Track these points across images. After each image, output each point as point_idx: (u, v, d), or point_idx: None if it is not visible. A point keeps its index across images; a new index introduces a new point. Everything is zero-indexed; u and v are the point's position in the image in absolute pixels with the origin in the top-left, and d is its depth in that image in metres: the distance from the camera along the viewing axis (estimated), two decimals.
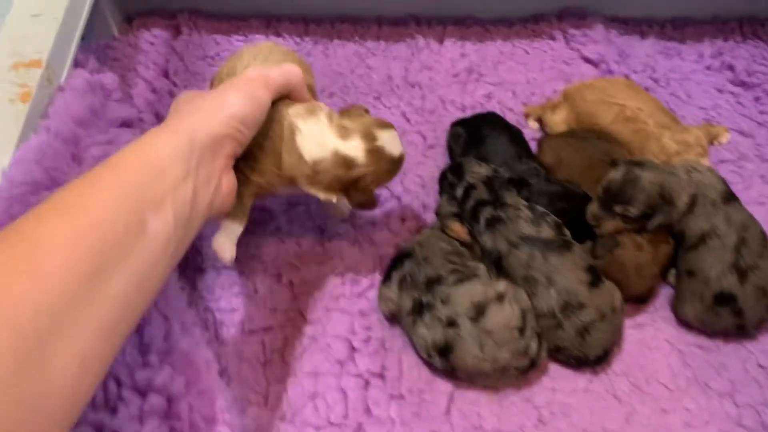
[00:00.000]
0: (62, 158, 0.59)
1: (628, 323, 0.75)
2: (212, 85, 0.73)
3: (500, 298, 0.66)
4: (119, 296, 0.38)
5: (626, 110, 0.83)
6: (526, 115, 0.93)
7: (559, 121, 0.88)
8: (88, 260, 0.36)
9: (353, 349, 0.72)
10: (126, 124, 0.74)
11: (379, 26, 1.03)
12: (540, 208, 0.73)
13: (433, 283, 0.67)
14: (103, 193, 0.40)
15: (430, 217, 0.83)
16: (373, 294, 0.76)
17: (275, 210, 0.83)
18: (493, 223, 0.72)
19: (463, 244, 0.74)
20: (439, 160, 0.89)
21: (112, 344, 0.38)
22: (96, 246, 0.37)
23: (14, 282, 0.32)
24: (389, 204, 0.84)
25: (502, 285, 0.67)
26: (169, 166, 0.44)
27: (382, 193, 0.85)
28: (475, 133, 0.84)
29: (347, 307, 0.75)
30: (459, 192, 0.75)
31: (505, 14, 1.05)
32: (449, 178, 0.77)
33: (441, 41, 1.02)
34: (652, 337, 0.75)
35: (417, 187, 0.86)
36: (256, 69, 0.59)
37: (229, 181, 0.53)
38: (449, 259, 0.70)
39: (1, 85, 0.68)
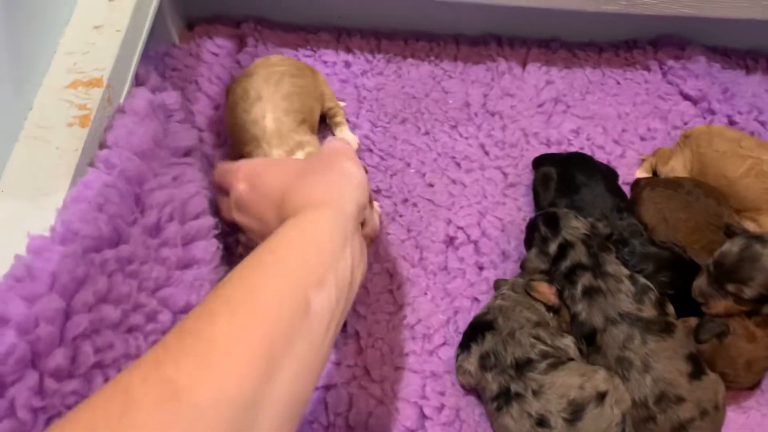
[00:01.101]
0: (126, 204, 0.53)
1: (730, 406, 0.67)
2: (228, 94, 0.78)
3: (600, 397, 0.58)
4: (291, 379, 0.39)
5: (764, 164, 0.73)
6: (641, 164, 0.84)
7: (678, 168, 0.79)
8: (260, 353, 0.37)
9: (424, 416, 0.65)
10: (188, 152, 0.68)
11: (457, 46, 0.95)
12: (642, 280, 0.65)
13: (522, 367, 0.60)
14: (268, 284, 0.41)
15: (510, 267, 0.75)
16: (445, 353, 0.69)
17: None
18: (590, 293, 0.64)
19: (548, 306, 0.67)
20: (521, 201, 0.81)
21: (292, 424, 0.40)
22: (266, 338, 0.38)
23: (200, 382, 0.34)
24: (464, 249, 0.77)
25: (601, 379, 0.59)
26: (328, 241, 0.45)
27: (457, 235, 0.77)
28: (568, 178, 0.75)
29: (418, 366, 0.69)
30: (552, 248, 0.68)
31: (595, 38, 0.96)
32: (542, 231, 0.69)
33: (524, 65, 0.93)
34: (758, 423, 0.67)
35: (496, 231, 0.78)
36: (344, 142, 0.60)
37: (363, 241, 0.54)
38: (537, 335, 0.63)
39: (58, 105, 0.62)
